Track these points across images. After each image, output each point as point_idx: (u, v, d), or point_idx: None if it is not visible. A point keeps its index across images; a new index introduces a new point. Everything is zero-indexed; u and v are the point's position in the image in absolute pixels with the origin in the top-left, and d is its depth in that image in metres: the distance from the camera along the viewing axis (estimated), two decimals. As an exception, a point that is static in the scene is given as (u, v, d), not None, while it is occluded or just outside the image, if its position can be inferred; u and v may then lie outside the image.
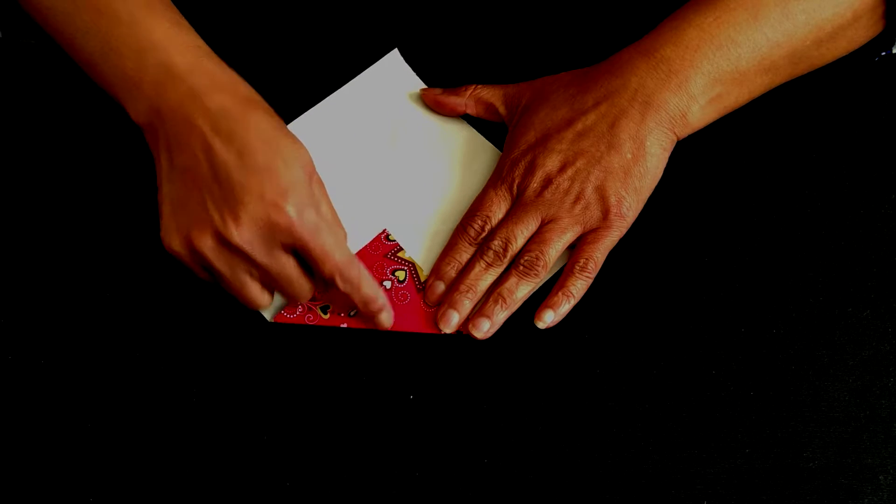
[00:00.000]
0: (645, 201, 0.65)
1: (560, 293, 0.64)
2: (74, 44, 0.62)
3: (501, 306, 0.64)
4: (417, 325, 0.65)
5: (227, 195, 0.56)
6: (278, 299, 0.65)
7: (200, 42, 0.61)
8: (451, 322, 0.64)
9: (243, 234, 0.56)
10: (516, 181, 0.65)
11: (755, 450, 0.62)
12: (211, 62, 0.60)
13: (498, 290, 0.64)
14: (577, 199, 0.64)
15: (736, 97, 0.66)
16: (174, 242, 0.59)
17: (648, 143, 0.64)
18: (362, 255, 0.67)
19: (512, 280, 0.64)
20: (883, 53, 0.69)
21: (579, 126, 0.64)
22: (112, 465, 0.62)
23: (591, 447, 0.62)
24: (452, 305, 0.64)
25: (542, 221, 0.64)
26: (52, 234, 0.68)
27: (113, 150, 0.70)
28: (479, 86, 0.70)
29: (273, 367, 0.64)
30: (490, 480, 0.61)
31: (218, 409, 0.63)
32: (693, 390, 0.63)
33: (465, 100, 0.70)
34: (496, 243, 0.64)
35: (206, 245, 0.57)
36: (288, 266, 0.59)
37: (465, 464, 0.61)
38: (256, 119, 0.58)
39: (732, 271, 0.66)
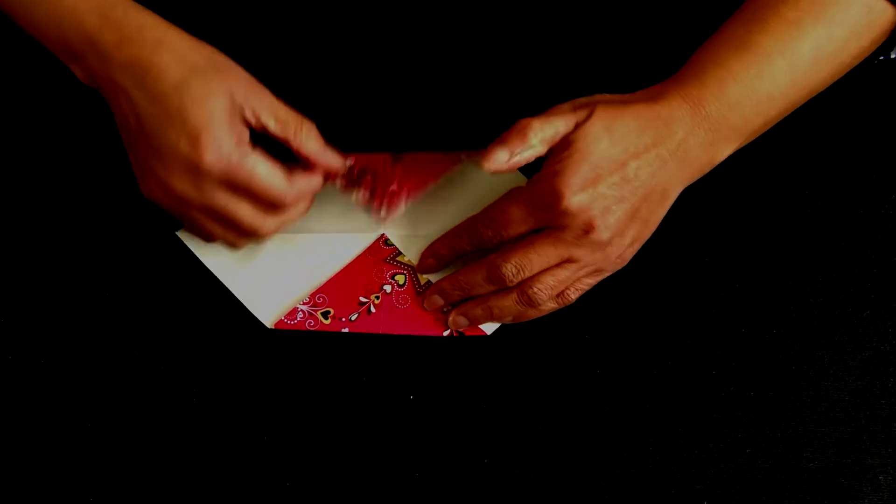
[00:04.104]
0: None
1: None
2: (26, 26, 0.62)
3: (487, 317, 0.64)
4: (417, 328, 0.65)
5: (153, 147, 0.58)
6: (277, 300, 0.66)
7: None
8: (435, 306, 0.65)
9: (175, 184, 0.58)
10: (556, 217, 0.60)
11: (755, 450, 0.61)
12: (118, 11, 0.59)
13: (490, 303, 0.63)
14: (604, 247, 0.61)
15: (750, 139, 0.65)
16: (145, 192, 0.61)
17: (670, 198, 0.63)
18: (362, 259, 0.67)
19: (509, 303, 0.63)
20: (881, 58, 0.69)
21: (630, 172, 0.61)
22: (112, 465, 0.62)
23: (591, 447, 0.62)
24: (442, 294, 0.65)
25: (564, 260, 0.62)
26: (53, 235, 0.68)
27: (112, 151, 0.70)
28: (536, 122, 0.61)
29: (273, 366, 0.64)
30: (490, 480, 0.61)
31: (218, 410, 0.63)
32: (693, 390, 0.63)
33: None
34: (510, 269, 0.61)
35: (157, 195, 0.60)
36: (229, 203, 0.59)
37: (465, 464, 0.61)
38: (165, 64, 0.58)
39: (732, 271, 0.66)
